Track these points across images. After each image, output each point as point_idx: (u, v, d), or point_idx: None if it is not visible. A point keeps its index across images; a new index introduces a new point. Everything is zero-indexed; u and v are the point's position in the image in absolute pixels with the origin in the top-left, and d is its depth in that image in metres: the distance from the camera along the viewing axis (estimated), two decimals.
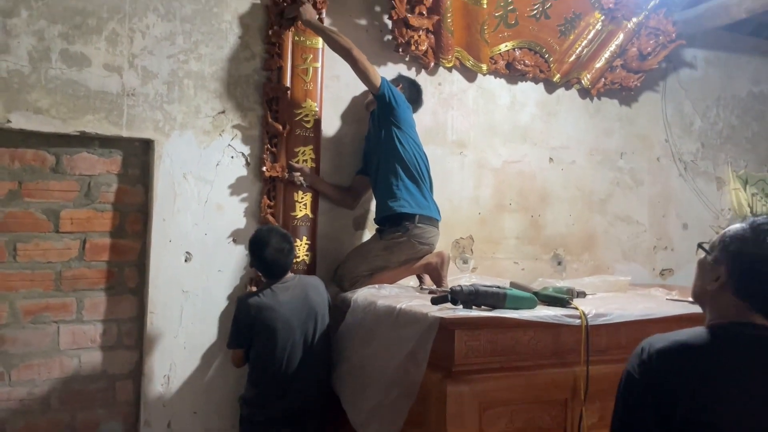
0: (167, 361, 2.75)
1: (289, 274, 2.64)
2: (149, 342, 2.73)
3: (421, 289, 2.82)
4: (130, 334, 2.77)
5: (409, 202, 2.79)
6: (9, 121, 2.49)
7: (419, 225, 2.79)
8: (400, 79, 3.12)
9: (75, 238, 2.68)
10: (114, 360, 2.73)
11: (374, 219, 2.97)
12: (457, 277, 3.08)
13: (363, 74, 2.79)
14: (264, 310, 2.52)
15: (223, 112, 2.86)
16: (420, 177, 2.86)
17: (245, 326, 2.54)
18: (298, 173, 2.90)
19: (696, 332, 1.30)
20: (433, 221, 2.86)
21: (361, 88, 3.16)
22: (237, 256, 2.87)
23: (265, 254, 2.54)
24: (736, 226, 1.34)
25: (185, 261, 2.79)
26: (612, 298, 2.71)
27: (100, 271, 2.72)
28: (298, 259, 2.89)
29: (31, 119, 2.53)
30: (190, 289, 2.80)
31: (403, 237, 2.79)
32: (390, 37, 3.21)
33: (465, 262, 3.39)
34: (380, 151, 2.88)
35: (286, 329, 2.51)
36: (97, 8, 2.64)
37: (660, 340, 1.29)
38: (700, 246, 1.39)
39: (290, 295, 2.57)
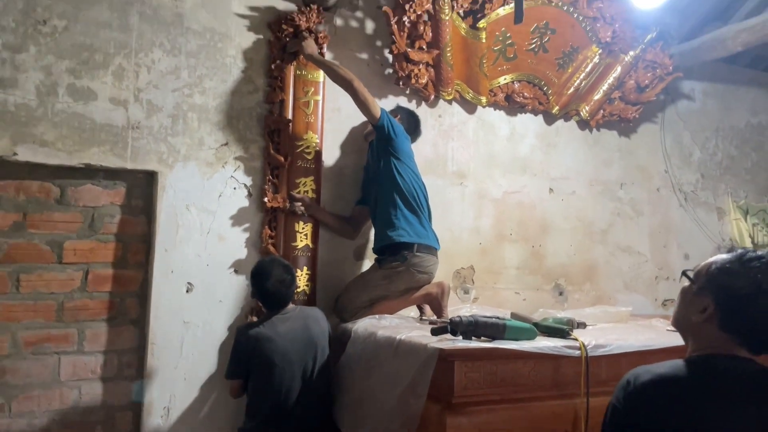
0: (167, 392, 2.75)
1: (290, 305, 2.64)
2: (149, 373, 2.73)
3: (422, 319, 2.81)
4: (130, 365, 2.77)
5: (408, 232, 2.81)
6: (15, 154, 2.54)
7: (418, 254, 2.80)
8: (398, 110, 3.17)
9: (78, 269, 2.70)
10: (114, 391, 2.73)
11: (373, 249, 2.99)
12: (458, 308, 3.08)
13: (363, 105, 2.84)
14: (263, 341, 2.51)
15: (226, 144, 2.91)
16: (418, 207, 2.88)
17: (244, 357, 2.54)
18: (299, 203, 2.94)
19: (679, 364, 1.29)
20: (431, 250, 2.87)
21: (361, 119, 3.21)
22: (238, 286, 2.88)
23: (267, 285, 2.55)
24: (723, 257, 1.33)
25: (186, 291, 2.80)
26: (612, 329, 2.70)
27: (101, 302, 2.73)
28: (298, 290, 2.91)
29: (38, 152, 2.58)
30: (191, 319, 2.81)
31: (402, 266, 2.80)
32: (391, 70, 3.27)
33: (466, 292, 3.39)
34: (379, 182, 2.91)
35: (285, 361, 2.51)
36: (104, 44, 2.70)
37: (644, 372, 1.28)
38: (684, 274, 1.38)
39: (290, 327, 2.56)
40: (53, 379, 2.63)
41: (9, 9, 2.56)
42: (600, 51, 3.68)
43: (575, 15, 3.57)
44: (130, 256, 2.79)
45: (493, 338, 2.19)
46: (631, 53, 3.74)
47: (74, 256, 2.69)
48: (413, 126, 3.16)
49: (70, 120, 2.63)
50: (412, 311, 3.05)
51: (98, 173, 2.74)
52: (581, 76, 3.68)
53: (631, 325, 2.96)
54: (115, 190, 2.78)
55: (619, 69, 3.74)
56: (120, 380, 2.75)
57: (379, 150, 2.92)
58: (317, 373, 2.56)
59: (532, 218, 3.63)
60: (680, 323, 1.39)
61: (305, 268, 2.95)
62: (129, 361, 2.76)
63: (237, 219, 2.91)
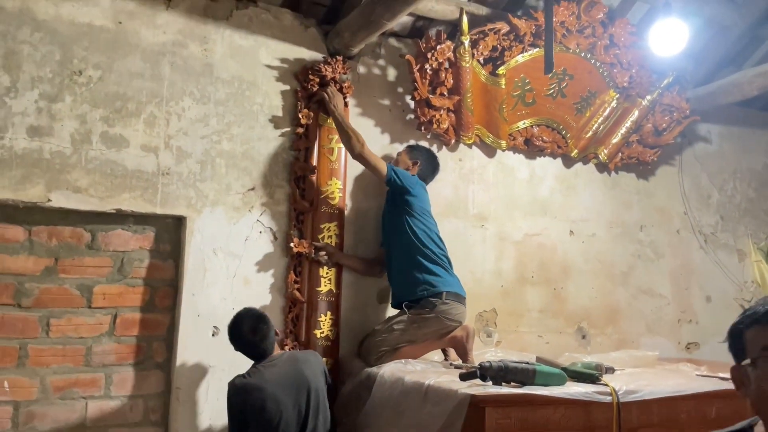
0: None
1: (277, 352, 2.61)
2: (175, 419, 2.72)
3: (449, 364, 2.80)
4: (155, 410, 2.76)
5: (433, 283, 2.84)
6: (50, 200, 2.59)
7: (447, 301, 2.82)
8: (416, 151, 3.19)
9: (107, 313, 2.73)
10: None
11: (392, 304, 2.99)
12: (481, 351, 3.07)
13: (373, 169, 2.94)
14: (251, 390, 2.47)
15: (253, 189, 2.96)
16: (438, 257, 2.92)
17: (237, 410, 2.50)
18: (323, 252, 2.96)
19: None
20: (459, 297, 2.89)
21: None
22: None
23: (240, 338, 2.57)
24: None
25: (212, 335, 2.82)
26: (641, 374, 2.69)
27: (129, 346, 2.75)
28: (322, 334, 2.91)
29: (71, 198, 2.63)
30: (216, 363, 2.81)
31: (431, 313, 2.81)
32: (412, 116, 3.34)
33: (489, 335, 3.38)
34: (397, 235, 2.94)
35: (276, 406, 2.44)
36: (136, 93, 2.79)
37: None
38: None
39: (277, 372, 2.51)
40: (80, 424, 2.63)
41: (47, 60, 2.65)
42: (617, 95, 3.74)
43: (592, 61, 3.64)
44: (157, 300, 2.82)
45: (522, 384, 2.18)
46: (648, 97, 3.79)
47: (103, 300, 2.72)
48: (432, 165, 3.21)
49: (103, 167, 2.70)
50: (436, 355, 3.04)
51: (128, 218, 2.79)
52: (599, 120, 3.74)
53: (659, 370, 2.95)
54: (144, 234, 2.82)
55: (636, 113, 3.79)
56: (146, 426, 2.74)
57: (395, 200, 2.98)
58: (312, 414, 2.52)
59: (553, 260, 3.63)
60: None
61: (329, 312, 2.96)
62: (155, 406, 2.76)
63: (262, 263, 2.95)
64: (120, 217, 2.76)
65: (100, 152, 2.70)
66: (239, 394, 2.50)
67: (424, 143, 3.37)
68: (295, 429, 2.49)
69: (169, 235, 2.86)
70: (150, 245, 2.83)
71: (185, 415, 2.73)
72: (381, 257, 3.14)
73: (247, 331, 2.56)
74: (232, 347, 2.80)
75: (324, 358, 2.89)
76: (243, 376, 2.54)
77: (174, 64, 2.87)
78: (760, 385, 1.16)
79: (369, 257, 3.16)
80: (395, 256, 2.96)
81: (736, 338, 1.22)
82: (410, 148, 3.23)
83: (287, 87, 3.08)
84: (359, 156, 2.92)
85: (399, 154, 3.20)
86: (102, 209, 2.68)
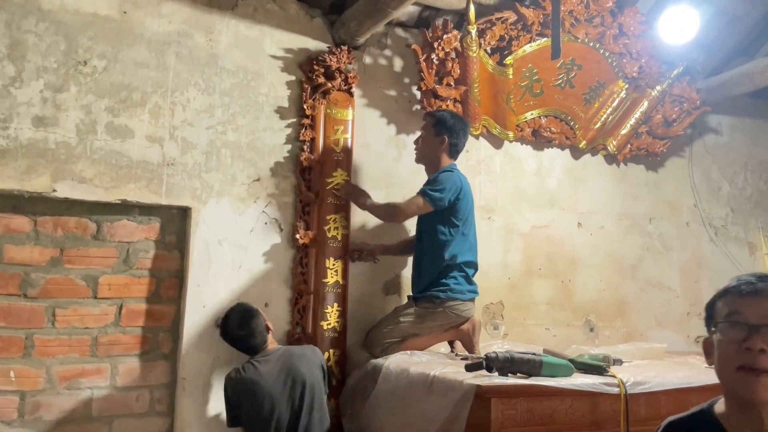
0: (197, 429, 2.73)
1: (273, 346, 2.64)
2: (180, 409, 2.72)
3: (455, 355, 2.79)
4: (161, 401, 2.76)
5: (453, 289, 2.80)
6: (55, 191, 2.59)
7: (456, 297, 2.79)
8: (441, 126, 2.91)
9: (112, 304, 2.72)
10: (145, 427, 2.72)
11: (412, 293, 2.95)
12: (488, 344, 3.05)
13: (418, 213, 2.86)
14: (245, 383, 2.51)
15: (258, 180, 2.95)
16: (466, 266, 2.86)
17: (234, 403, 2.55)
18: (363, 252, 3.03)
19: None
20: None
21: (390, 155, 3.25)
22: (269, 321, 2.88)
23: (227, 334, 2.62)
24: None
25: (218, 326, 2.80)
26: (649, 366, 2.66)
27: (135, 337, 2.75)
28: (329, 326, 2.90)
29: (76, 188, 2.63)
30: (222, 354, 2.80)
31: (439, 308, 2.79)
32: (419, 106, 3.31)
33: (495, 328, 3.36)
34: (429, 237, 2.87)
35: (269, 401, 2.49)
36: (141, 83, 2.78)
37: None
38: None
39: (271, 367, 2.55)
40: (86, 414, 2.63)
41: (52, 50, 2.64)
42: (626, 86, 3.70)
43: (601, 51, 3.60)
44: (163, 291, 2.81)
45: (529, 375, 2.16)
46: (658, 88, 3.75)
47: (109, 291, 2.72)
48: (460, 129, 2.95)
49: (108, 157, 2.69)
50: (442, 346, 3.03)
51: (134, 209, 2.78)
52: (608, 111, 3.70)
53: (668, 362, 2.91)
54: (149, 225, 2.82)
55: (646, 104, 3.75)
56: (152, 416, 2.74)
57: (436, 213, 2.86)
58: (306, 410, 2.52)
59: (561, 253, 3.61)
60: None
61: (335, 304, 2.95)
62: (160, 396, 2.76)
63: (268, 255, 2.93)
64: (125, 208, 2.76)
65: (105, 142, 2.69)
66: (234, 387, 2.53)
67: None
68: (288, 425, 2.50)
69: (175, 225, 2.85)
70: (155, 236, 2.83)
71: (191, 406, 2.73)
72: (409, 240, 3.12)
73: (233, 326, 2.60)
74: None
75: (331, 350, 2.89)
76: (238, 370, 2.57)
77: (179, 54, 2.86)
78: (720, 349, 1.22)
79: (396, 242, 3.13)
80: (425, 253, 2.90)
81: (709, 310, 1.29)
82: (433, 122, 2.94)
83: (292, 77, 3.06)
84: (404, 217, 2.91)
85: (421, 135, 3.01)
86: (107, 200, 2.67)
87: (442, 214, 2.82)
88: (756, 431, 1.21)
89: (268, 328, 2.67)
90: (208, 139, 2.87)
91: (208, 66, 2.91)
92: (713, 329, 1.23)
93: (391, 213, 2.93)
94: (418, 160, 3.02)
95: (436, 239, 2.83)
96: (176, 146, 2.81)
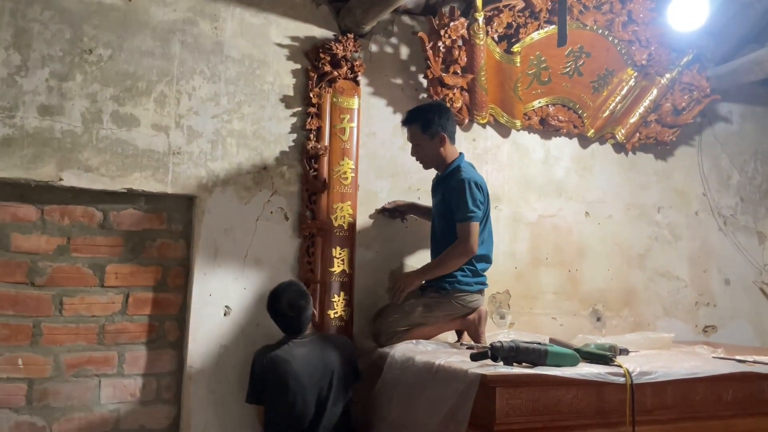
0: (203, 416, 2.75)
1: (309, 331, 2.64)
2: (187, 397, 2.74)
3: (460, 344, 2.79)
4: (168, 389, 2.78)
5: (462, 281, 2.79)
6: (61, 180, 2.59)
7: (463, 288, 2.79)
8: (433, 126, 2.84)
9: (119, 293, 2.74)
10: (152, 415, 2.74)
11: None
12: (494, 333, 3.05)
13: (477, 235, 2.77)
14: (278, 363, 2.51)
15: (264, 168, 2.94)
16: (478, 261, 2.84)
17: (259, 379, 2.54)
18: (396, 213, 3.10)
19: None
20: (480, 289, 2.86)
21: (396, 144, 3.24)
22: None
23: (277, 309, 2.59)
24: None
25: (224, 315, 2.82)
26: (656, 356, 2.65)
27: (141, 325, 2.76)
28: (336, 315, 2.91)
29: (82, 177, 2.63)
30: (229, 343, 2.82)
31: (445, 298, 2.78)
32: (425, 95, 3.29)
33: (502, 317, 3.35)
34: (446, 232, 2.85)
35: (298, 385, 2.49)
36: (146, 72, 2.77)
37: None
38: None
39: (306, 352, 2.55)
40: (94, 401, 2.66)
41: (57, 39, 2.64)
42: (635, 74, 3.66)
43: (610, 38, 3.56)
44: (169, 280, 2.82)
45: (534, 364, 2.16)
46: (668, 76, 3.71)
47: (116, 279, 2.73)
48: (448, 119, 2.90)
49: (114, 146, 2.69)
50: (449, 335, 3.02)
51: (140, 198, 2.79)
52: (617, 99, 3.66)
53: (675, 352, 2.90)
54: (155, 214, 2.82)
55: (655, 92, 3.71)
56: (159, 404, 2.76)
57: (451, 205, 2.82)
58: (332, 400, 2.53)
59: (568, 242, 3.59)
60: None
61: (342, 293, 2.95)
62: (167, 384, 2.78)
63: (274, 243, 2.93)
64: (131, 197, 2.76)
65: (110, 131, 2.69)
66: (264, 364, 2.53)
67: None
68: (312, 411, 2.51)
69: (181, 214, 2.86)
70: (161, 225, 2.83)
71: (197, 394, 2.74)
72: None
73: (285, 304, 2.57)
74: (244, 327, 2.83)
75: None
76: (271, 347, 2.57)
77: (184, 42, 2.85)
78: None
79: (425, 207, 3.11)
80: (437, 245, 2.90)
81: None
82: (420, 127, 2.86)
83: (298, 66, 3.05)
84: (473, 247, 2.74)
85: (414, 145, 2.93)
86: (113, 189, 2.68)
87: (453, 217, 2.80)
88: None
89: (313, 315, 2.67)
90: (213, 127, 2.87)
91: (214, 54, 2.90)
92: None
93: (462, 254, 2.76)
94: (427, 167, 2.98)
95: (448, 234, 2.82)
96: (182, 135, 2.81)
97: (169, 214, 2.84)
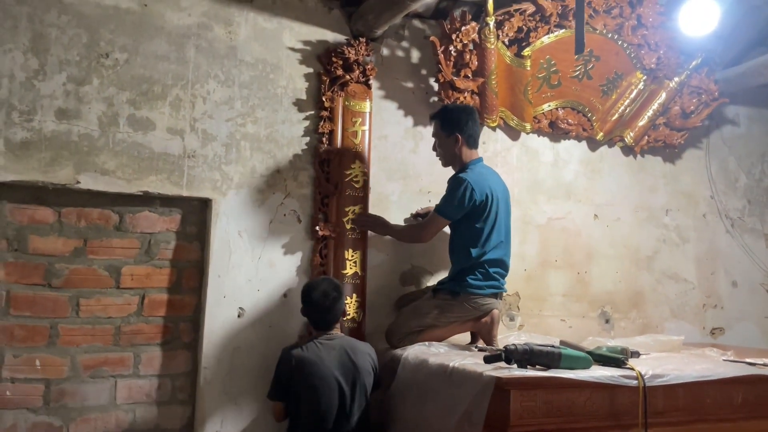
0: (218, 416, 2.78)
1: (336, 332, 2.65)
2: (201, 397, 2.77)
3: (472, 346, 2.81)
4: (183, 389, 2.81)
5: (472, 285, 2.81)
6: (78, 182, 2.63)
7: (475, 292, 2.81)
8: (449, 124, 2.90)
9: (135, 294, 2.77)
10: (167, 415, 2.77)
11: (438, 282, 2.98)
12: (504, 335, 3.07)
13: (438, 229, 2.91)
14: (305, 363, 2.51)
15: (278, 171, 2.97)
16: (492, 263, 2.85)
17: (285, 378, 2.55)
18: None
19: None
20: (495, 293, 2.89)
21: (407, 147, 3.26)
22: (288, 312, 2.92)
23: (312, 296, 2.60)
24: None
25: (238, 317, 2.85)
26: (667, 359, 2.67)
27: (156, 326, 2.79)
28: (348, 317, 2.94)
29: (99, 180, 2.66)
30: (242, 344, 2.85)
31: (456, 301, 2.81)
32: (436, 98, 3.31)
33: (512, 319, 3.38)
34: (457, 235, 2.91)
35: (324, 385, 2.50)
36: (162, 76, 2.80)
37: None
38: None
39: (333, 355, 2.55)
40: (110, 402, 2.69)
41: (74, 43, 2.67)
42: (644, 77, 3.68)
43: (619, 42, 3.58)
44: (184, 282, 2.85)
45: (548, 367, 2.18)
46: (676, 79, 3.73)
47: (131, 281, 2.76)
48: (468, 120, 2.91)
49: (130, 149, 2.72)
50: (459, 337, 3.05)
51: (155, 200, 2.82)
52: (625, 103, 3.68)
53: (685, 355, 2.92)
54: (170, 216, 2.85)
55: (663, 95, 3.73)
56: (173, 404, 2.79)
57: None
58: (356, 404, 2.54)
59: (577, 244, 3.61)
60: None
61: (354, 295, 2.98)
62: (182, 385, 2.81)
63: (287, 246, 2.96)
64: (147, 199, 2.79)
65: (127, 135, 2.72)
66: (291, 362, 2.53)
67: None
68: (334, 412, 2.51)
69: (195, 217, 2.89)
70: (176, 227, 2.86)
71: (212, 395, 2.77)
72: None
73: (320, 294, 2.59)
74: (257, 328, 2.86)
75: None
76: (300, 347, 2.57)
77: (199, 46, 2.88)
78: None
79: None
80: (452, 250, 2.95)
81: None
82: (440, 123, 2.93)
83: (311, 70, 3.08)
84: (428, 236, 2.91)
85: (435, 139, 3.00)
86: (129, 191, 2.71)
87: (463, 217, 2.83)
88: None
89: (344, 312, 2.70)
90: (227, 131, 2.90)
91: (228, 58, 2.92)
92: None
93: (413, 235, 3.01)
94: (445, 165, 3.00)
95: (460, 239, 2.87)
96: (197, 138, 2.84)
97: (183, 217, 2.87)
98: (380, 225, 3.04)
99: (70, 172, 2.62)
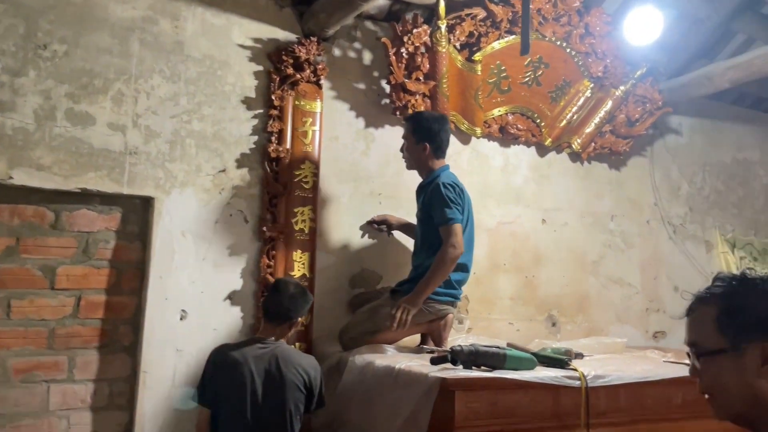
0: (157, 423, 2.69)
1: (275, 339, 2.42)
2: (140, 403, 2.67)
3: (421, 348, 2.79)
4: (121, 395, 2.71)
5: (436, 291, 2.76)
6: (11, 178, 2.51)
7: (432, 297, 2.78)
8: (420, 132, 2.88)
9: (70, 295, 2.65)
10: (104, 421, 2.66)
11: (397, 284, 2.93)
12: (453, 338, 3.07)
13: (460, 238, 2.73)
14: (227, 363, 2.33)
15: (224, 170, 2.91)
16: (462, 267, 2.83)
17: (208, 377, 2.39)
18: (383, 225, 3.13)
19: None
20: (452, 301, 2.87)
21: (358, 148, 3.24)
22: (234, 315, 2.85)
23: (275, 285, 2.55)
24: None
25: (180, 319, 2.77)
26: (609, 360, 2.71)
27: (94, 329, 2.68)
28: None
29: (34, 176, 2.55)
30: (184, 347, 2.76)
31: None
32: (387, 100, 3.30)
33: (460, 322, 3.38)
34: (425, 242, 2.86)
35: (246, 391, 2.30)
36: (104, 69, 2.71)
37: None
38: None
39: (264, 360, 2.34)
40: (42, 408, 2.56)
41: (10, 33, 2.56)
42: (592, 85, 3.76)
43: (568, 50, 3.65)
44: (124, 283, 2.75)
45: (493, 368, 2.19)
46: (622, 88, 3.82)
47: (67, 281, 2.65)
48: (438, 130, 2.88)
49: (68, 144, 2.62)
50: (409, 341, 3.03)
51: (94, 198, 2.71)
52: (573, 110, 3.75)
53: (627, 357, 2.98)
54: (110, 215, 2.75)
55: (610, 103, 3.81)
56: (111, 410, 2.68)
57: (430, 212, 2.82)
58: (268, 415, 2.32)
59: (525, 249, 3.65)
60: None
61: None
62: (120, 390, 2.70)
63: (233, 247, 2.90)
64: (85, 197, 2.69)
65: (64, 129, 2.62)
66: (216, 359, 2.40)
67: (399, 129, 3.33)
68: (258, 422, 2.31)
69: (137, 216, 2.79)
70: (116, 226, 2.76)
71: (152, 399, 2.68)
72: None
73: (282, 284, 2.51)
74: (201, 331, 2.79)
75: (297, 343, 2.85)
76: (229, 346, 2.45)
77: (143, 40, 2.79)
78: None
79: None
80: (416, 253, 2.92)
81: None
82: (411, 128, 2.91)
83: (260, 68, 3.02)
84: (459, 250, 2.69)
85: (405, 142, 2.96)
86: (66, 188, 2.60)
87: (432, 223, 2.79)
88: None
89: (292, 324, 2.48)
90: (172, 128, 2.82)
91: (174, 53, 2.85)
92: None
93: (447, 260, 2.68)
94: (409, 168, 2.98)
95: (427, 240, 2.83)
96: (139, 134, 2.75)
97: (124, 215, 2.77)
98: (418, 293, 2.71)
99: (2, 167, 2.50)
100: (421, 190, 2.95)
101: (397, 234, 3.24)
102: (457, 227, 2.72)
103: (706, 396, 1.15)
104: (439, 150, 2.92)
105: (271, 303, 2.50)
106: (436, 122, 2.92)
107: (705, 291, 1.17)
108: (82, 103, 2.66)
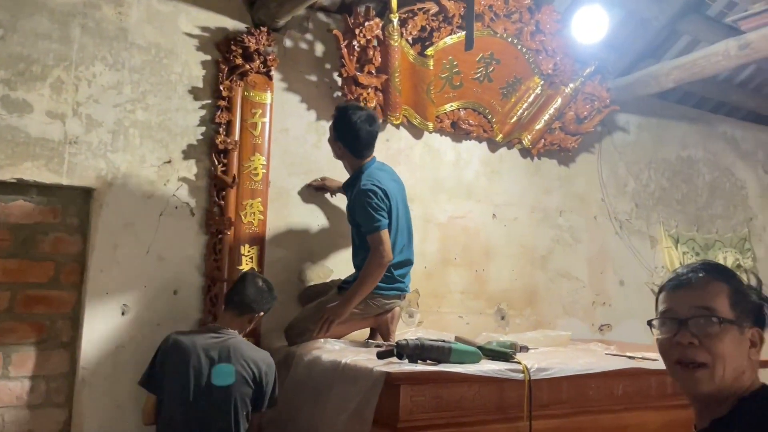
0: (97, 419, 2.61)
1: (232, 331, 2.43)
2: (79, 400, 2.59)
3: (368, 342, 2.79)
4: (59, 392, 2.62)
5: (380, 285, 2.75)
6: None
7: (378, 292, 2.78)
8: (336, 128, 2.85)
9: (6, 290, 2.55)
10: (41, 419, 2.57)
11: (343, 281, 2.91)
12: (403, 332, 3.08)
13: (388, 245, 2.70)
14: (178, 348, 2.31)
15: (169, 162, 2.84)
16: (392, 265, 2.78)
17: (158, 363, 2.35)
18: (321, 189, 3.15)
19: None
20: (398, 294, 2.87)
21: (309, 141, 3.21)
22: (179, 310, 2.79)
23: (243, 274, 2.56)
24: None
25: (122, 314, 2.69)
26: (553, 353, 2.76)
27: (30, 324, 2.59)
28: None
29: None
30: (126, 343, 2.69)
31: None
32: (339, 93, 3.28)
33: (411, 315, 3.39)
34: (357, 239, 2.85)
35: (192, 379, 2.27)
36: (42, 55, 2.60)
37: None
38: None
39: (215, 349, 2.32)
40: None
41: None
42: (542, 82, 3.80)
43: (519, 47, 3.68)
44: (63, 277, 2.66)
45: (438, 362, 2.19)
46: (571, 85, 3.88)
47: (2, 275, 2.54)
48: (355, 131, 2.80)
49: (3, 132, 2.51)
50: (357, 333, 3.02)
51: (31, 189, 2.61)
52: (524, 106, 3.79)
53: (571, 349, 3.03)
54: (49, 207, 2.66)
55: (559, 100, 3.87)
56: (48, 407, 2.60)
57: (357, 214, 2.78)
58: (212, 406, 2.29)
59: (476, 243, 3.68)
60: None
61: None
62: (58, 386, 2.62)
63: (179, 240, 2.83)
64: (22, 188, 2.59)
65: (0, 117, 2.51)
66: (166, 346, 2.36)
67: None
68: (202, 413, 2.29)
69: (77, 208, 2.71)
70: (55, 218, 2.67)
71: (91, 397, 2.60)
72: None
73: (251, 276, 2.51)
74: (143, 326, 2.72)
75: (244, 338, 2.80)
76: (182, 332, 2.42)
77: (85, 26, 2.70)
78: (659, 346, 1.25)
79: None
80: (354, 251, 2.90)
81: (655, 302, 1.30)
82: (333, 122, 2.88)
83: (208, 57, 2.96)
84: (387, 257, 2.66)
85: (329, 135, 2.95)
86: (1, 178, 2.50)
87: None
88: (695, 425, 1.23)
89: (253, 318, 2.48)
90: (115, 117, 2.73)
91: (117, 40, 2.76)
92: (652, 327, 1.25)
93: (377, 267, 2.67)
94: (336, 158, 2.97)
95: (362, 244, 2.80)
96: (80, 123, 2.66)
97: (63, 207, 2.68)
98: (345, 302, 2.72)
99: None
100: (347, 187, 2.92)
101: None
102: (383, 234, 2.68)
103: (699, 364, 1.17)
104: (355, 151, 2.84)
105: (236, 293, 2.48)
106: (360, 121, 2.79)
107: (712, 266, 1.25)
108: (18, 90, 2.55)
